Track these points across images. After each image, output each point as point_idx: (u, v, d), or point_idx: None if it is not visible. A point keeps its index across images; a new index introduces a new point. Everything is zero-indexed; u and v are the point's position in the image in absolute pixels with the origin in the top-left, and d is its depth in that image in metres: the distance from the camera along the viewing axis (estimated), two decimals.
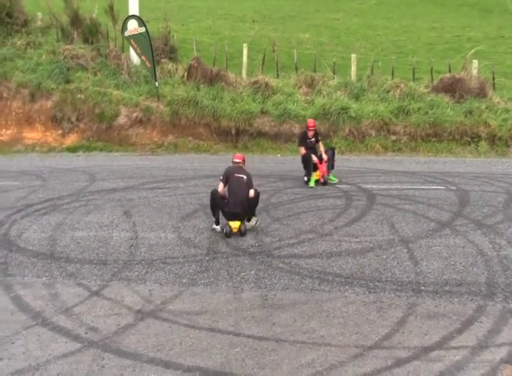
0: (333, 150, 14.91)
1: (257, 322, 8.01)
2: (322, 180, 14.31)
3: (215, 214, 11.36)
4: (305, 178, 14.46)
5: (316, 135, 14.85)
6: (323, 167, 14.37)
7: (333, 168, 14.68)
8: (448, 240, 10.60)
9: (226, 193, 11.39)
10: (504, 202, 12.70)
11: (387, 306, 8.31)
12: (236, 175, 11.43)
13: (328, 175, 14.46)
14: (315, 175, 14.32)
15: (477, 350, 7.08)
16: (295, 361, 7.08)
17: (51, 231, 11.48)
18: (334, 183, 14.43)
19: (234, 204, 11.18)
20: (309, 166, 14.27)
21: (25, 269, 9.87)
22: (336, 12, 36.80)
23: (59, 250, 10.64)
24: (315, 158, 14.25)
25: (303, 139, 14.73)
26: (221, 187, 11.38)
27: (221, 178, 11.48)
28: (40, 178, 15.62)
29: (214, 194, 11.24)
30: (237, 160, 11.78)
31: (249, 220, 11.45)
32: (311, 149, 14.55)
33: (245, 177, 11.40)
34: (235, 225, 11.10)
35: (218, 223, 11.32)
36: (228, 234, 11.05)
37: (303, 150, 14.46)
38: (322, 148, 14.80)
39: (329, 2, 40.69)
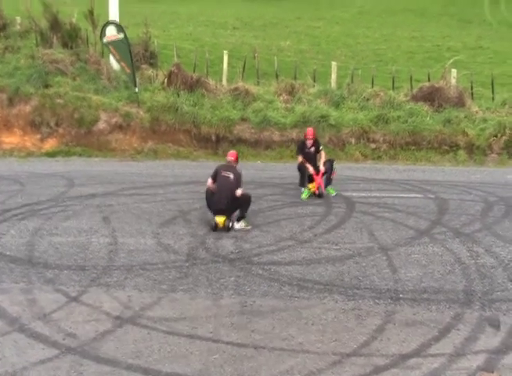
0: (331, 161, 14.32)
1: (236, 329, 8.01)
2: (317, 192, 13.97)
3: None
4: (301, 189, 14.11)
5: (316, 144, 14.37)
6: (319, 178, 13.97)
7: (330, 181, 14.26)
8: (426, 248, 10.69)
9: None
10: (482, 211, 12.83)
11: (366, 314, 8.35)
12: (224, 173, 11.92)
13: (324, 188, 14.11)
14: (310, 187, 14.09)
15: (454, 358, 7.13)
16: (273, 368, 7.08)
17: (29, 236, 11.40)
18: (333, 196, 14.12)
19: (219, 199, 11.70)
20: (303, 176, 14.01)
21: (2, 275, 9.78)
22: (317, 21, 36.94)
23: (37, 255, 10.57)
24: (310, 169, 13.94)
25: (300, 148, 14.44)
26: (209, 182, 12.02)
27: (211, 175, 12.05)
28: (18, 183, 15.50)
29: (207, 191, 11.98)
30: (228, 159, 12.38)
31: (238, 220, 11.75)
32: (311, 159, 14.20)
33: (232, 176, 11.84)
34: (220, 219, 11.59)
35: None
36: (214, 228, 11.64)
37: (299, 159, 14.20)
38: (322, 159, 14.31)
39: (311, 10, 40.84)
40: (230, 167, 12.13)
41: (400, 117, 19.25)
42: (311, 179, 14.02)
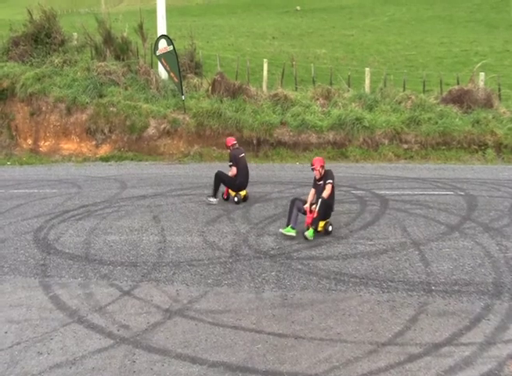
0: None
1: (278, 320, 8.01)
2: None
3: (216, 190, 13.47)
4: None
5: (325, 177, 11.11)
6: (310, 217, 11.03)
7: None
8: (457, 242, 10.54)
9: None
10: (510, 206, 12.60)
11: (400, 305, 8.27)
12: (241, 155, 13.68)
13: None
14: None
15: (485, 346, 7.04)
16: (313, 357, 7.07)
17: (85, 235, 11.58)
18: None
19: (245, 177, 13.56)
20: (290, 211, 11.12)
21: (62, 271, 9.97)
22: (350, 29, 36.76)
23: (93, 252, 10.74)
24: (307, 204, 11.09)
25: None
26: (234, 171, 13.43)
27: (231, 163, 13.50)
28: (76, 186, 15.75)
29: (220, 175, 13.44)
30: (235, 142, 13.95)
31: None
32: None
33: (244, 154, 13.85)
34: (244, 193, 13.63)
35: (215, 197, 13.49)
36: (240, 201, 13.45)
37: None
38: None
39: (344, 20, 40.66)
40: (240, 148, 13.97)
41: (431, 118, 19.04)
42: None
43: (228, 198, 13.84)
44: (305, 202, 10.99)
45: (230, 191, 13.77)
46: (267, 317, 8.11)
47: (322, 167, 11.16)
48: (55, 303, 8.82)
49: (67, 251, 10.84)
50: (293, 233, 10.78)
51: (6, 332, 8.06)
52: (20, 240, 11.51)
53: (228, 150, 14.11)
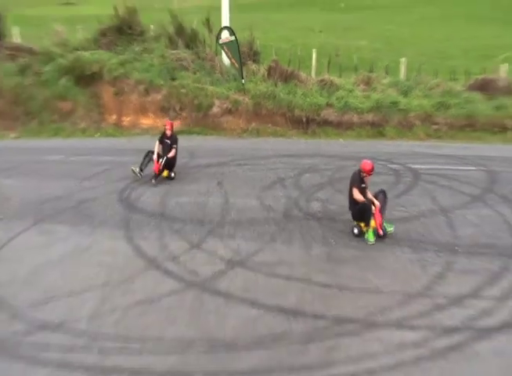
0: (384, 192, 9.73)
1: (324, 273, 8.04)
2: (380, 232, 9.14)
3: (143, 164, 12.92)
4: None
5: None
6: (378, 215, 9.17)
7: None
8: (479, 210, 10.30)
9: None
10: None
11: (429, 263, 8.22)
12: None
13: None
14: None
15: (501, 299, 7.07)
16: (354, 304, 7.13)
17: (161, 197, 11.71)
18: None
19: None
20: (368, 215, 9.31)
21: (142, 226, 10.15)
22: (389, 24, 35.80)
23: (167, 212, 10.87)
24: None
25: (357, 181, 9.50)
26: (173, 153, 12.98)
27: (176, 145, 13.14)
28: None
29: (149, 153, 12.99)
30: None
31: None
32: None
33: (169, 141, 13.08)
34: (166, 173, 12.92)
35: (141, 170, 12.92)
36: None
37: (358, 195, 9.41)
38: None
39: (383, 16, 39.59)
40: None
41: (458, 103, 18.49)
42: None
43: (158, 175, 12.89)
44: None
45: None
46: (315, 270, 8.14)
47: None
48: (137, 252, 9.02)
49: (146, 209, 11.01)
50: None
51: (98, 273, 8.30)
52: (107, 199, 11.72)
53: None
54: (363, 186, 9.35)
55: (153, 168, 12.87)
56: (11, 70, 21.39)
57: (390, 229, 9.09)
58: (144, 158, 13.06)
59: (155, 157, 12.86)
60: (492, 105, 18.29)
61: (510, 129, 17.82)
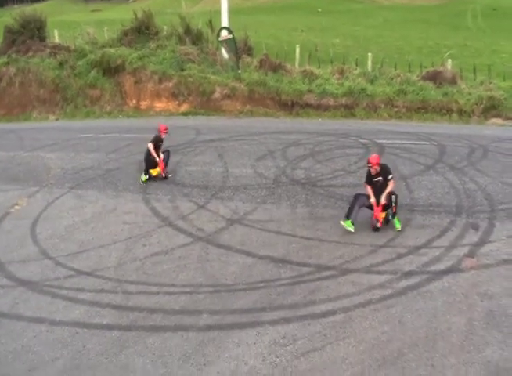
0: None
1: (307, 228, 7.89)
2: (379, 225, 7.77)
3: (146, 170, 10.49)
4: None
5: (383, 173, 7.88)
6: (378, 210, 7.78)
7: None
8: (431, 177, 10.08)
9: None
10: (468, 153, 11.91)
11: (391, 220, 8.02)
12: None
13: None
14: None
15: (449, 248, 6.96)
16: (331, 254, 7.00)
17: (173, 166, 11.42)
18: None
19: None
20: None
21: (157, 190, 9.96)
22: (357, 26, 35.03)
23: (178, 178, 10.66)
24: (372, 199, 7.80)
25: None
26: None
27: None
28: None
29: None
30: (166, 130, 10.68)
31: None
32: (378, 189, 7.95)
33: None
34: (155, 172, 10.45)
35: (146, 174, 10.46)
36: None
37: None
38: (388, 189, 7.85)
39: (353, 19, 38.66)
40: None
41: (414, 90, 18.17)
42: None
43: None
44: (369, 197, 7.75)
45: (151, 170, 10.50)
46: (299, 226, 7.99)
47: (379, 164, 7.78)
48: (153, 212, 8.87)
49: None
50: (351, 228, 7.51)
51: (122, 229, 8.14)
52: (129, 169, 11.51)
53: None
54: (375, 180, 7.83)
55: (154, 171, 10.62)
56: (52, 65, 21.56)
57: (398, 225, 7.73)
58: (146, 164, 10.58)
59: (157, 159, 10.38)
60: (441, 92, 18.07)
61: (455, 112, 17.64)
